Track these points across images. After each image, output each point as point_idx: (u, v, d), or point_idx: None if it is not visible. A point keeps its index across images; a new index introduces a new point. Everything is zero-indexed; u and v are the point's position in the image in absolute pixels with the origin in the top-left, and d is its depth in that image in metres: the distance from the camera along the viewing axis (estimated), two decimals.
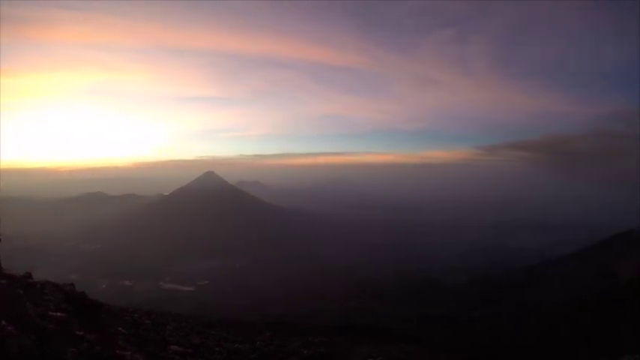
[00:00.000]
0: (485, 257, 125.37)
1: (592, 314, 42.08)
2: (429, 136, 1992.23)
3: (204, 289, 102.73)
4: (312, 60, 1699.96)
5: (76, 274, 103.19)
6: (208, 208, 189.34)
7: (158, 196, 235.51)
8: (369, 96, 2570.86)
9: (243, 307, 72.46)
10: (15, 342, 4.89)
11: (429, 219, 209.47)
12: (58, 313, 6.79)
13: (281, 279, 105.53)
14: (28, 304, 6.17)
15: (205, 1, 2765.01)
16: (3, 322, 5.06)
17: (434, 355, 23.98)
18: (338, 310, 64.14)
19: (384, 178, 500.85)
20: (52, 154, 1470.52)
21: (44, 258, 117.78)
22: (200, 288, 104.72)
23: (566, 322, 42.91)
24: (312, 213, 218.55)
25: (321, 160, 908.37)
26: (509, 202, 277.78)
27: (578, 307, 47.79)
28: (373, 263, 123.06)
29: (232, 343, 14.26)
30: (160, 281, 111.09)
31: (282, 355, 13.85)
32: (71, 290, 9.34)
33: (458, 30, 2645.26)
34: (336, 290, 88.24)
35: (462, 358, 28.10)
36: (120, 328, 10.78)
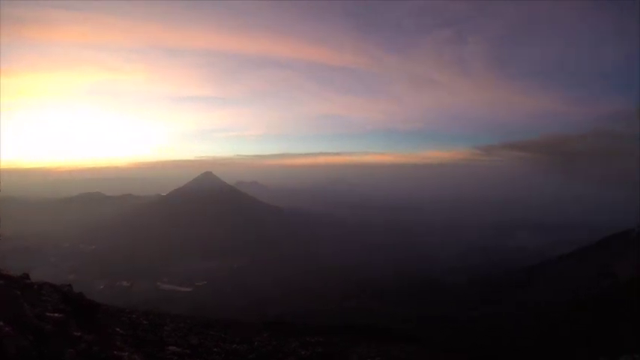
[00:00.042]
0: (485, 257, 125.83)
1: (591, 314, 42.17)
2: (428, 136, 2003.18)
3: (203, 290, 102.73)
4: (310, 60, 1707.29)
5: (73, 275, 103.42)
6: (206, 209, 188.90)
7: (156, 196, 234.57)
8: (367, 96, 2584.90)
9: (241, 307, 72.43)
10: (12, 343, 4.85)
11: (428, 219, 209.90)
12: (56, 314, 6.73)
13: (279, 279, 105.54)
14: (25, 304, 6.12)
15: (204, 2, 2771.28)
16: (0, 323, 5.02)
17: (434, 355, 23.95)
18: (337, 311, 64.18)
19: (383, 178, 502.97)
20: (51, 154, 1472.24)
21: (42, 258, 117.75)
22: (198, 288, 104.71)
23: (566, 322, 42.98)
24: (310, 213, 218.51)
25: (320, 160, 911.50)
26: (509, 202, 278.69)
27: (577, 306, 47.93)
28: (373, 263, 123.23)
29: (230, 344, 14.22)
30: (157, 282, 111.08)
31: (280, 356, 13.79)
32: (69, 291, 9.29)
33: (457, 30, 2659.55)
34: (335, 290, 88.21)
35: (462, 358, 28.09)
36: (118, 329, 10.72)
